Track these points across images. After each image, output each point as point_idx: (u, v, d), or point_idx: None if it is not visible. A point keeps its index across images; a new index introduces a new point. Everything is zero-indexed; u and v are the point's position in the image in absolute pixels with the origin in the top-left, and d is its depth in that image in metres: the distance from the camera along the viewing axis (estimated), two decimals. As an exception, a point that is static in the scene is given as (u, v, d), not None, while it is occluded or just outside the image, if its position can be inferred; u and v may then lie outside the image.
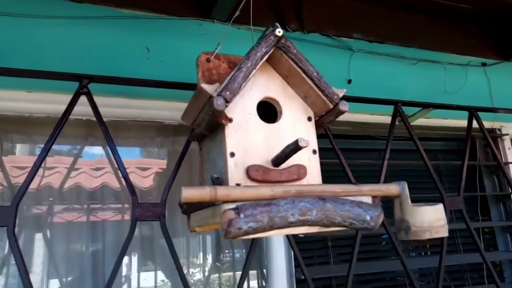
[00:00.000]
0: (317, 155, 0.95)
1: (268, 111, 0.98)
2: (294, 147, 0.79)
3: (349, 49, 1.88)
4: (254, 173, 0.85)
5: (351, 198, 0.81)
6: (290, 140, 0.93)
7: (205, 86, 0.83)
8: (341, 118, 1.82)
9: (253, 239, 1.32)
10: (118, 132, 1.70)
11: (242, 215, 0.70)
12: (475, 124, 1.74)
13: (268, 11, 1.76)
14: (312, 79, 0.91)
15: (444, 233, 0.83)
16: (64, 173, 1.70)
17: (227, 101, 0.82)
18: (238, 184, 0.80)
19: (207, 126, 0.92)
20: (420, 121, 1.97)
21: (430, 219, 0.83)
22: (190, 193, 0.71)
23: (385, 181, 1.56)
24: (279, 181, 0.87)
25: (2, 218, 1.08)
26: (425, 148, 2.26)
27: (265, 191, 0.77)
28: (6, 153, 1.53)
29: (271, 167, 0.88)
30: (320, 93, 0.91)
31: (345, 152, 1.98)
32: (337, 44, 1.87)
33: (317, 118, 0.98)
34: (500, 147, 2.20)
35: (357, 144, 2.03)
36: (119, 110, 1.56)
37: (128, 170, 1.23)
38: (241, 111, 0.91)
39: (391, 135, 1.61)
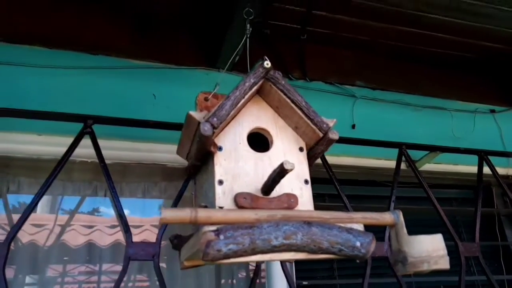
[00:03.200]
0: (309, 185, 0.93)
1: (260, 143, 0.99)
2: (280, 171, 0.78)
3: (352, 96, 1.92)
4: (242, 201, 0.84)
5: (340, 224, 0.78)
6: (281, 170, 0.93)
7: (193, 113, 0.86)
8: (347, 162, 1.82)
9: (253, 277, 1.26)
10: (124, 177, 1.73)
11: (222, 237, 0.68)
12: (488, 170, 1.69)
13: (272, 61, 1.84)
14: (301, 109, 0.92)
15: (444, 264, 0.77)
16: (79, 231, 1.72)
17: (214, 127, 0.83)
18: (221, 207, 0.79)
19: (198, 155, 0.92)
20: (430, 167, 1.93)
21: (428, 249, 0.77)
22: (169, 214, 0.70)
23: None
24: (269, 209, 0.85)
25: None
26: (440, 196, 2.19)
27: (249, 214, 0.75)
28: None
29: (261, 195, 0.87)
30: (309, 122, 0.92)
31: (354, 199, 1.94)
32: (340, 91, 1.91)
33: (310, 148, 0.98)
34: (518, 194, 2.10)
35: (367, 190, 1.98)
36: (124, 153, 1.60)
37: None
38: (231, 140, 0.92)
39: (396, 179, 1.57)
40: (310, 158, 0.99)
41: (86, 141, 1.36)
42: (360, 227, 0.79)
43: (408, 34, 1.87)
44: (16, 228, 1.13)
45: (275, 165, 0.92)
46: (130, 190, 1.69)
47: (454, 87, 2.10)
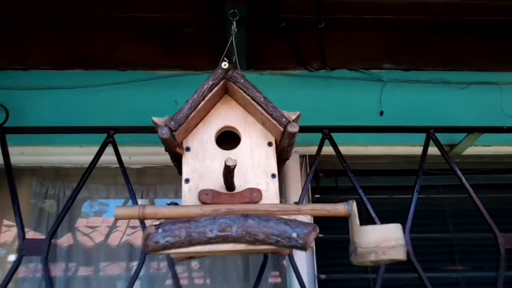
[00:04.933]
0: (276, 179, 0.94)
1: (234, 141, 1.03)
2: (225, 168, 0.81)
3: (379, 81, 1.82)
4: (204, 197, 0.89)
5: (285, 216, 0.79)
6: (248, 166, 0.96)
7: (156, 119, 0.93)
8: (376, 152, 1.73)
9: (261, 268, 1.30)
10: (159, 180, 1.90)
11: (160, 230, 0.74)
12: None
13: (290, 56, 1.84)
14: (260, 105, 0.94)
15: (395, 255, 0.73)
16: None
17: (172, 130, 0.90)
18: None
19: (171, 157, 1.00)
20: (476, 150, 1.74)
21: (376, 240, 0.74)
22: (121, 212, 0.79)
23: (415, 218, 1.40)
24: (232, 204, 0.88)
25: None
26: (500, 183, 1.96)
27: (194, 210, 0.80)
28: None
29: (225, 191, 0.91)
30: (269, 117, 0.93)
31: (388, 190, 1.84)
32: (366, 77, 1.82)
33: (279, 142, 0.99)
34: None
35: (403, 181, 1.85)
36: (158, 157, 1.75)
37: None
38: (199, 140, 0.98)
39: (421, 167, 1.46)
40: (281, 152, 1.00)
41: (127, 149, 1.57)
42: (306, 218, 0.79)
43: (440, 4, 1.70)
44: (55, 225, 1.34)
45: (242, 161, 0.96)
46: (164, 191, 1.85)
47: (504, 57, 1.84)
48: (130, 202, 1.94)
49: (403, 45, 1.86)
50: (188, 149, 0.96)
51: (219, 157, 0.95)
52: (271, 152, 0.97)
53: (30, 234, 1.87)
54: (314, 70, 1.82)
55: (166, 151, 0.97)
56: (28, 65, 1.80)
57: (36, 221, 1.88)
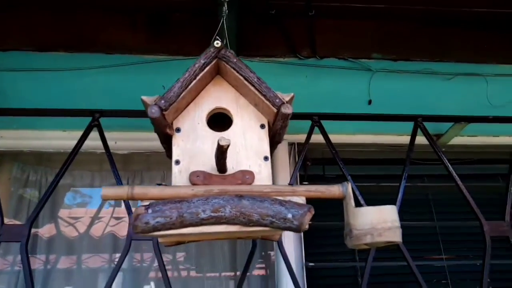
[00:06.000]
0: (268, 162, 0.92)
1: (226, 123, 1.01)
2: (217, 148, 0.79)
3: (368, 70, 1.82)
4: (195, 179, 0.87)
5: (278, 197, 0.77)
6: (240, 148, 0.94)
7: (145, 98, 0.90)
8: (364, 140, 1.74)
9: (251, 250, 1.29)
10: (145, 166, 1.86)
11: (150, 210, 0.72)
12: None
13: (281, 43, 1.82)
14: (253, 85, 0.92)
15: (391, 237, 0.72)
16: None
17: (162, 109, 0.87)
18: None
19: (160, 138, 0.97)
20: (463, 140, 1.76)
21: (372, 221, 0.73)
22: (108, 192, 0.76)
23: (401, 207, 1.41)
24: (224, 185, 0.86)
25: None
26: (484, 173, 2.00)
27: (185, 190, 0.78)
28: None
29: (217, 173, 0.89)
30: (263, 98, 0.91)
31: (376, 179, 1.85)
32: (354, 67, 1.82)
33: (272, 125, 0.97)
34: None
35: (391, 170, 1.87)
36: (145, 143, 1.72)
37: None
38: (190, 121, 0.95)
39: (409, 156, 1.47)
40: (274, 135, 0.98)
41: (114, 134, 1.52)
42: (301, 199, 0.78)
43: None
44: (36, 210, 1.29)
45: (234, 143, 0.93)
46: (151, 177, 1.82)
47: (490, 49, 1.87)
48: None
49: (392, 35, 1.87)
50: (178, 130, 0.94)
51: (210, 138, 0.93)
52: (264, 134, 0.96)
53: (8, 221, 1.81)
54: (303, 58, 1.81)
55: (155, 132, 0.94)
56: (9, 46, 1.73)
57: (15, 208, 1.82)
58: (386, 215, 0.74)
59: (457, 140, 1.72)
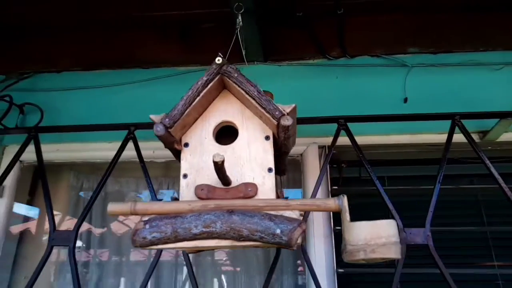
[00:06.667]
0: (272, 173, 0.93)
1: (234, 136, 1.03)
2: (214, 163, 0.82)
3: (403, 66, 1.72)
4: (199, 192, 0.91)
5: (274, 212, 0.78)
6: (245, 160, 0.97)
7: (152, 116, 0.96)
8: (400, 141, 1.66)
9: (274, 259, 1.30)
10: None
11: (147, 226, 0.77)
12: None
13: (309, 44, 1.80)
14: (253, 99, 0.93)
15: (385, 253, 0.70)
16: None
17: (167, 127, 0.92)
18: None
19: (172, 153, 1.02)
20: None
21: (366, 237, 0.71)
22: (113, 208, 0.82)
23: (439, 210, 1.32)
24: (225, 199, 0.89)
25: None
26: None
27: (183, 205, 0.82)
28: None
29: (222, 186, 0.92)
30: (263, 111, 0.92)
31: (417, 180, 1.75)
32: (388, 63, 1.74)
33: (277, 136, 0.97)
34: None
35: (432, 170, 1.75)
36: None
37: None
38: (197, 136, 0.99)
39: (445, 156, 1.37)
40: (280, 147, 0.98)
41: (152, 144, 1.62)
42: (294, 214, 0.78)
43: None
44: (81, 218, 1.43)
45: (239, 155, 0.96)
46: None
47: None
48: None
49: (429, 26, 1.75)
50: (186, 145, 0.98)
51: (216, 152, 0.96)
52: (269, 145, 0.96)
53: (70, 222, 2.02)
54: (333, 58, 1.77)
55: (165, 148, 0.99)
56: (61, 67, 1.92)
57: (73, 210, 2.03)
58: (381, 230, 0.72)
59: (506, 137, 1.56)
